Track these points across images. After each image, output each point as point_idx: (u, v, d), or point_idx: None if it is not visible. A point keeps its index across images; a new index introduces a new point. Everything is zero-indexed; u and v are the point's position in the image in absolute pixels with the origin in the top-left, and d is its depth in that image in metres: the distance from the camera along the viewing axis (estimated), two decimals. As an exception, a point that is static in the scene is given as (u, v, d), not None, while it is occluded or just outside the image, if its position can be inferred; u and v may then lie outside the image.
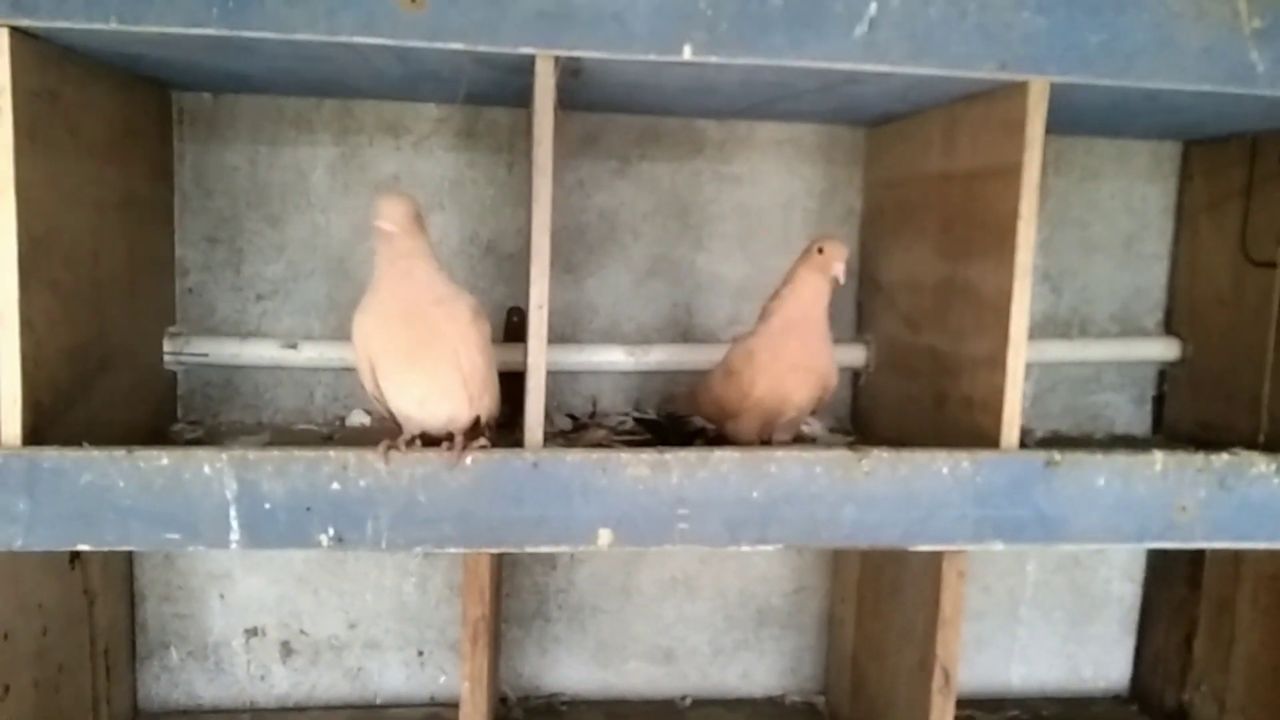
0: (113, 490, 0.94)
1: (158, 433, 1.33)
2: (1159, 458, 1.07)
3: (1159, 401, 1.61)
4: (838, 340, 1.46)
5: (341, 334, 1.44)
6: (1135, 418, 1.62)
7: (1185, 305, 1.55)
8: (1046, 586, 1.65)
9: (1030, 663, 1.66)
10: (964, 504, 1.05)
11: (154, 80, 1.27)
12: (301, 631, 1.52)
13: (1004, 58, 1.01)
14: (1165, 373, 1.59)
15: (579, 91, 1.17)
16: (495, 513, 0.99)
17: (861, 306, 1.51)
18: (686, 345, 1.48)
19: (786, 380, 1.16)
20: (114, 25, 0.90)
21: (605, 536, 1.01)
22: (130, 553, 1.43)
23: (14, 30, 0.91)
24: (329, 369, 1.45)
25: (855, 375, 1.52)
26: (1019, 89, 1.04)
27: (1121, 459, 1.07)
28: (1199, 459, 1.08)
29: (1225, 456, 1.08)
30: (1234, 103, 1.11)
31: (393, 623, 1.53)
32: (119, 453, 0.94)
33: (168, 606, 1.48)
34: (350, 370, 1.44)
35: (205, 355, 1.38)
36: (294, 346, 1.39)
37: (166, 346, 1.35)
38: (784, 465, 1.01)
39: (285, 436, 1.37)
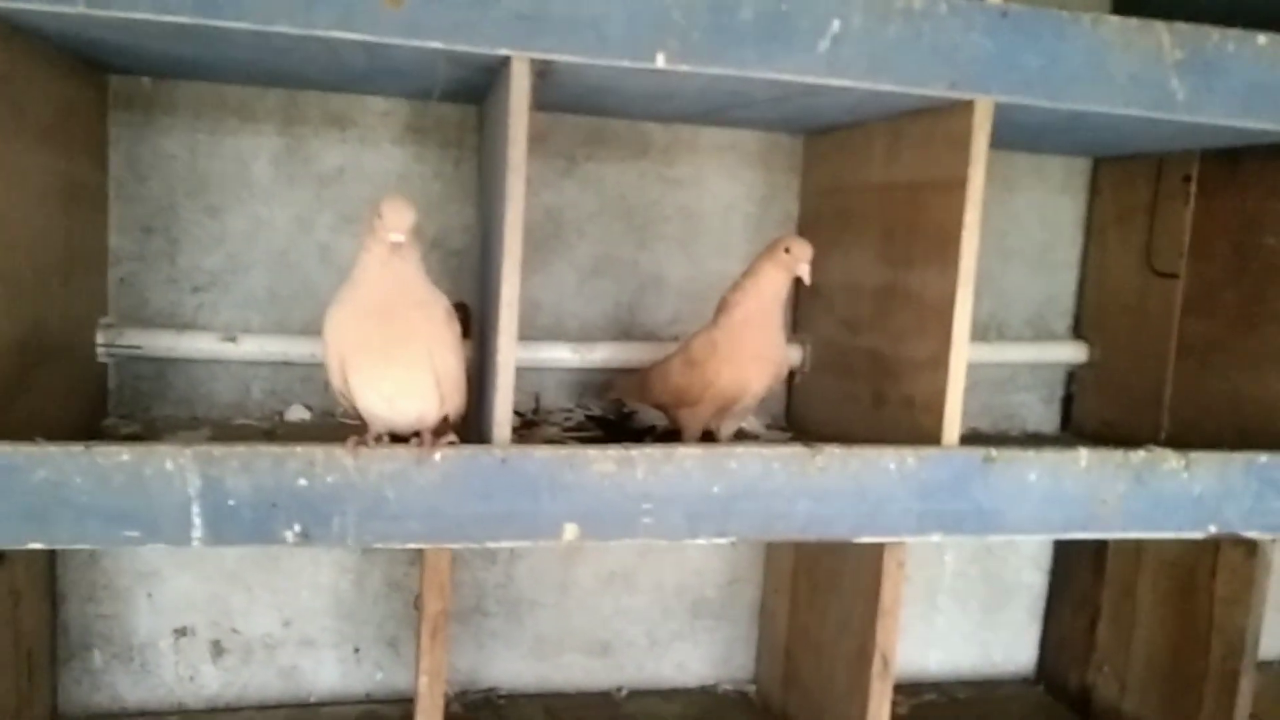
0: (68, 486, 0.92)
1: (90, 429, 1.28)
2: (1084, 455, 1.15)
3: (1067, 401, 1.72)
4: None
5: (282, 328, 1.42)
6: (1045, 416, 1.72)
7: (1093, 312, 1.66)
8: (963, 576, 1.74)
9: (946, 649, 1.75)
10: (908, 498, 1.11)
11: (92, 62, 1.23)
12: (233, 630, 1.48)
13: (954, 77, 1.07)
14: (1074, 374, 1.70)
15: (538, 92, 1.18)
16: (463, 509, 1.00)
17: (798, 308, 1.56)
18: (630, 343, 1.51)
19: (748, 369, 1.21)
20: (82, 9, 0.87)
21: (571, 531, 1.03)
22: (52, 551, 1.38)
23: (-32, 9, 0.87)
24: (267, 363, 1.42)
25: (790, 375, 1.57)
26: (966, 107, 1.10)
27: (1051, 455, 1.14)
28: (1119, 456, 1.16)
29: (1141, 454, 1.17)
30: (1152, 126, 1.20)
31: (329, 620, 1.51)
32: (76, 448, 0.92)
33: (91, 607, 1.43)
34: (289, 365, 1.43)
35: (138, 348, 1.34)
36: (233, 340, 1.36)
37: (98, 338, 1.31)
38: (744, 461, 1.05)
39: (225, 432, 1.34)
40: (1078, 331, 1.69)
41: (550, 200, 1.49)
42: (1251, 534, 1.23)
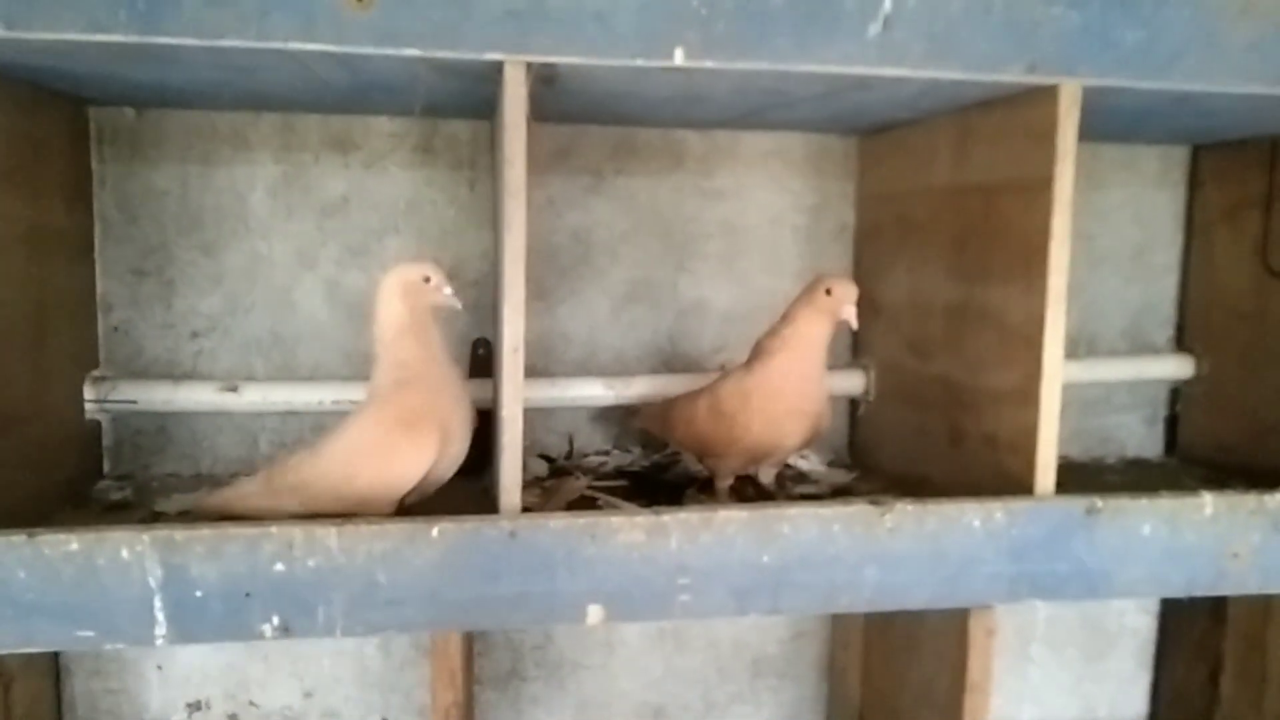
0: (11, 582, 0.79)
1: (78, 495, 1.17)
2: (1208, 500, 0.96)
3: (1172, 422, 1.51)
4: (831, 365, 1.35)
5: (288, 373, 1.30)
6: (1148, 440, 1.52)
7: (1199, 320, 1.45)
8: (1058, 622, 1.54)
9: (1042, 703, 1.55)
10: (998, 559, 0.94)
11: (67, 95, 1.12)
12: (251, 703, 1.36)
13: (1033, 59, 0.90)
14: (1179, 391, 1.49)
15: (550, 102, 1.04)
16: (467, 591, 0.86)
17: (857, 329, 1.39)
18: (670, 375, 1.35)
19: (784, 424, 1.07)
20: (1, 33, 0.75)
21: (595, 614, 0.88)
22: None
23: (-122, 38, 0.76)
24: (274, 413, 1.30)
25: (853, 404, 1.40)
26: (1047, 93, 0.93)
27: (1167, 503, 0.96)
28: (1251, 500, 0.97)
29: (1279, 497, 0.98)
30: (1273, 105, 1.01)
31: (353, 689, 1.38)
32: (17, 538, 0.79)
33: (98, 682, 1.32)
34: (296, 414, 1.30)
35: (134, 402, 1.22)
36: (234, 389, 1.24)
37: (88, 394, 1.20)
38: (798, 524, 0.89)
39: (226, 491, 1.21)
40: (1181, 343, 1.48)
41: (577, 220, 1.34)
42: None
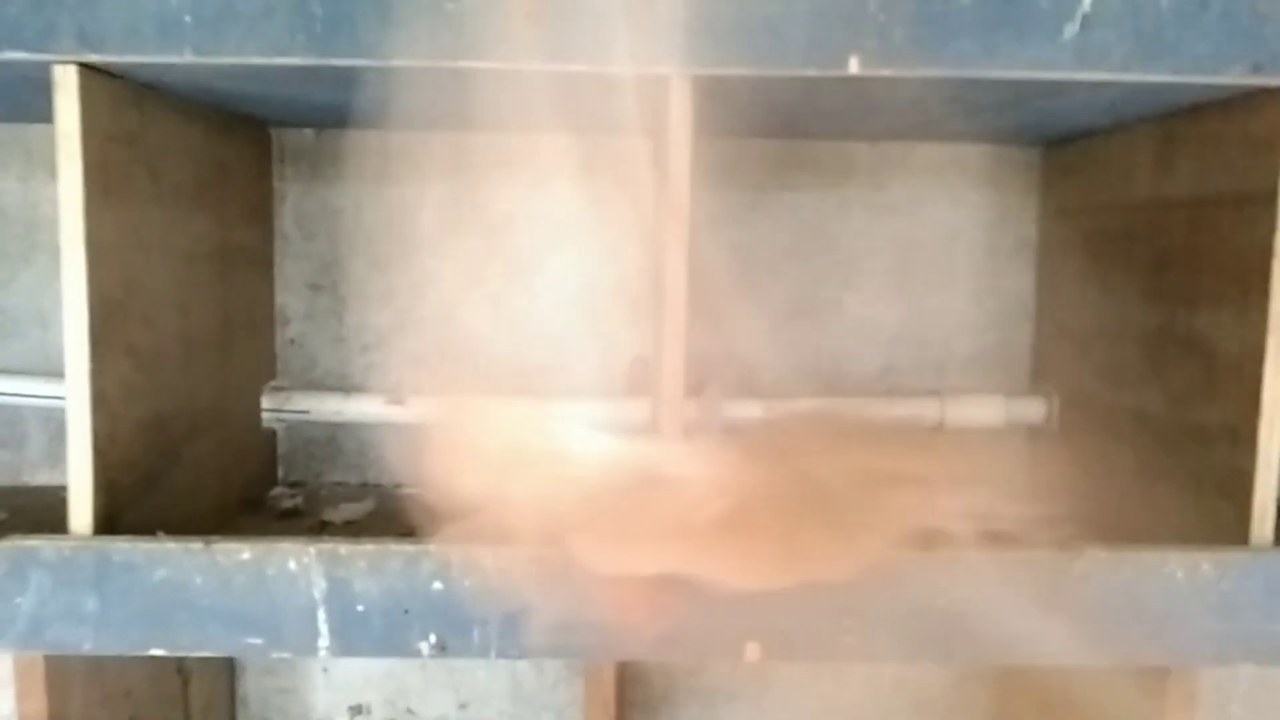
0: (189, 588, 0.82)
1: (255, 501, 1.22)
2: None
3: None
4: (1009, 391, 1.27)
5: (451, 387, 1.32)
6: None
7: None
8: (1264, 680, 1.39)
9: (1244, 770, 1.41)
10: (1204, 616, 0.84)
11: (252, 118, 1.17)
12: (409, 710, 1.39)
13: (1257, 58, 0.80)
14: None
15: (714, 116, 1.01)
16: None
17: (1039, 353, 1.30)
18: (834, 398, 1.30)
19: None
20: (189, 58, 0.78)
21: (753, 651, 0.84)
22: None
23: (83, 67, 0.80)
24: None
25: (1034, 434, 1.31)
26: (1273, 96, 0.83)
27: None
28: None
29: None
30: None
31: (506, 704, 1.39)
32: (195, 545, 0.82)
33: (270, 680, 1.38)
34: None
35: (306, 412, 1.27)
36: (400, 402, 1.27)
37: (266, 403, 1.25)
38: (976, 569, 0.82)
39: (390, 503, 1.24)
40: None
41: (738, 237, 1.31)
42: None
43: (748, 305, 1.31)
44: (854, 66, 0.79)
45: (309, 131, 1.27)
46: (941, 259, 1.31)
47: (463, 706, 1.39)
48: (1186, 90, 0.85)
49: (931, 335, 1.32)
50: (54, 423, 1.32)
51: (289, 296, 1.30)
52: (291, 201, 1.29)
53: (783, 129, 1.18)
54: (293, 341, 1.31)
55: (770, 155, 1.29)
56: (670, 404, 0.86)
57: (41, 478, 1.33)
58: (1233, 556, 0.84)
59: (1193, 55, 0.80)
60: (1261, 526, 0.86)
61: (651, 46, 0.78)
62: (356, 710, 1.39)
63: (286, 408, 1.26)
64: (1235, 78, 0.81)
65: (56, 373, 1.27)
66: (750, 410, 1.28)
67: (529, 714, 1.39)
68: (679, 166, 0.82)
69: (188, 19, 0.78)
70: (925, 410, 1.27)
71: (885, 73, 0.80)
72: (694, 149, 0.84)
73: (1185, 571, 0.83)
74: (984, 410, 1.27)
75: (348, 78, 0.86)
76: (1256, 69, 0.80)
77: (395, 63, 0.79)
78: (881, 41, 0.79)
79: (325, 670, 1.38)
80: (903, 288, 1.32)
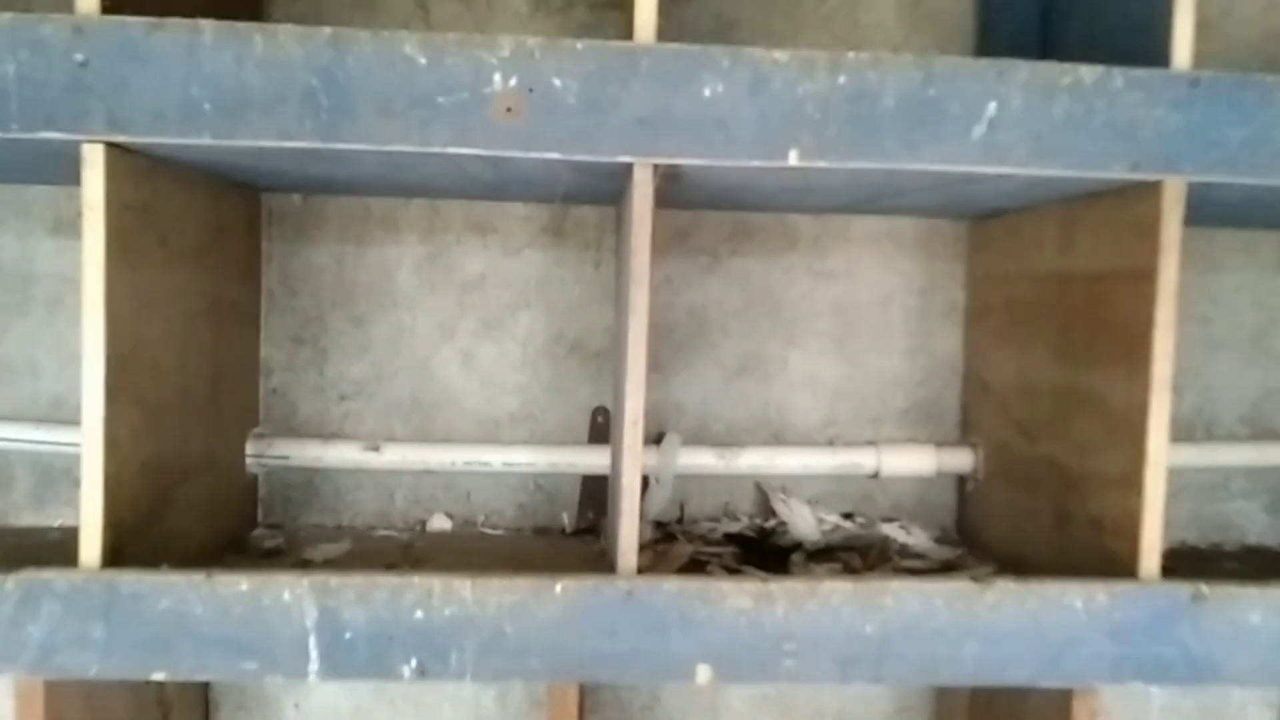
0: (190, 616, 0.90)
1: (237, 541, 1.29)
2: (1323, 591, 0.96)
3: (1295, 510, 1.48)
4: (940, 441, 1.39)
5: (425, 435, 1.41)
6: (1270, 527, 1.49)
7: (1324, 407, 1.43)
8: (1173, 712, 1.51)
9: (1157, 795, 1.51)
10: (1100, 641, 0.95)
11: (245, 185, 1.27)
12: (376, 744, 1.45)
13: (1136, 158, 0.94)
14: (1303, 479, 1.46)
15: (674, 193, 1.13)
16: (586, 645, 0.93)
17: (967, 407, 1.42)
18: (779, 448, 1.41)
19: None
20: (208, 140, 0.88)
21: (704, 673, 0.93)
22: (206, 659, 1.39)
23: (110, 146, 0.90)
24: (410, 471, 1.40)
25: (962, 481, 1.43)
26: (1152, 189, 0.96)
27: (1279, 593, 0.96)
28: (1369, 592, 0.96)
29: (1400, 589, 0.96)
30: (1389, 198, 1.02)
31: (470, 737, 1.46)
32: (198, 577, 0.90)
33: (243, 715, 1.43)
34: (431, 473, 1.41)
35: (287, 458, 1.35)
36: (376, 449, 1.36)
37: (249, 449, 1.33)
38: (901, 597, 0.93)
39: (366, 543, 1.32)
40: (1305, 429, 1.46)
41: (693, 299, 1.42)
42: None
43: (701, 360, 1.43)
44: (793, 158, 0.92)
45: (296, 196, 1.37)
46: (878, 321, 1.44)
47: (429, 740, 1.46)
48: (1079, 182, 0.99)
49: (869, 390, 1.44)
50: (40, 466, 1.38)
51: (273, 349, 1.39)
52: (278, 261, 1.38)
53: (734, 203, 1.31)
54: (275, 391, 1.39)
55: (724, 225, 1.41)
56: (631, 452, 0.96)
57: (27, 519, 1.39)
58: (1123, 588, 0.95)
59: (1081, 154, 0.93)
60: (1149, 562, 0.98)
61: (617, 140, 0.90)
62: (326, 744, 1.45)
63: (268, 453, 1.34)
64: (1117, 173, 0.94)
65: (45, 419, 1.36)
66: (703, 458, 1.39)
67: (492, 747, 1.46)
68: (640, 240, 0.93)
69: (207, 106, 0.88)
70: (863, 459, 1.38)
71: (821, 164, 0.92)
72: (655, 219, 0.95)
73: (1083, 601, 0.95)
74: (917, 460, 1.39)
75: (343, 157, 0.96)
76: (1135, 166, 0.94)
77: (391, 148, 0.90)
78: (817, 138, 0.91)
79: (296, 705, 1.44)
80: (842, 347, 1.44)
